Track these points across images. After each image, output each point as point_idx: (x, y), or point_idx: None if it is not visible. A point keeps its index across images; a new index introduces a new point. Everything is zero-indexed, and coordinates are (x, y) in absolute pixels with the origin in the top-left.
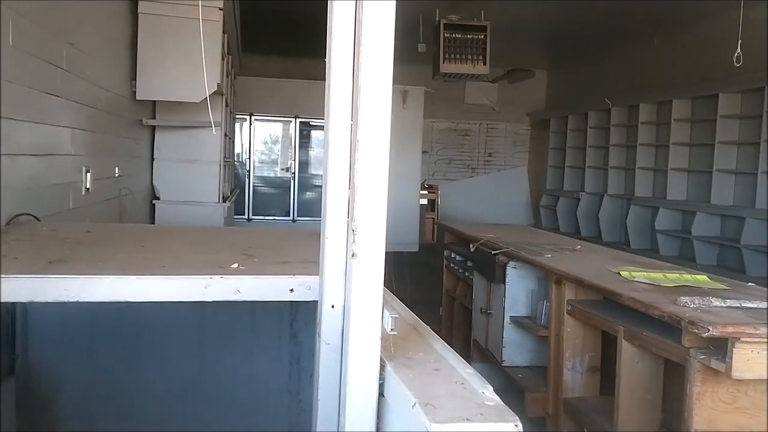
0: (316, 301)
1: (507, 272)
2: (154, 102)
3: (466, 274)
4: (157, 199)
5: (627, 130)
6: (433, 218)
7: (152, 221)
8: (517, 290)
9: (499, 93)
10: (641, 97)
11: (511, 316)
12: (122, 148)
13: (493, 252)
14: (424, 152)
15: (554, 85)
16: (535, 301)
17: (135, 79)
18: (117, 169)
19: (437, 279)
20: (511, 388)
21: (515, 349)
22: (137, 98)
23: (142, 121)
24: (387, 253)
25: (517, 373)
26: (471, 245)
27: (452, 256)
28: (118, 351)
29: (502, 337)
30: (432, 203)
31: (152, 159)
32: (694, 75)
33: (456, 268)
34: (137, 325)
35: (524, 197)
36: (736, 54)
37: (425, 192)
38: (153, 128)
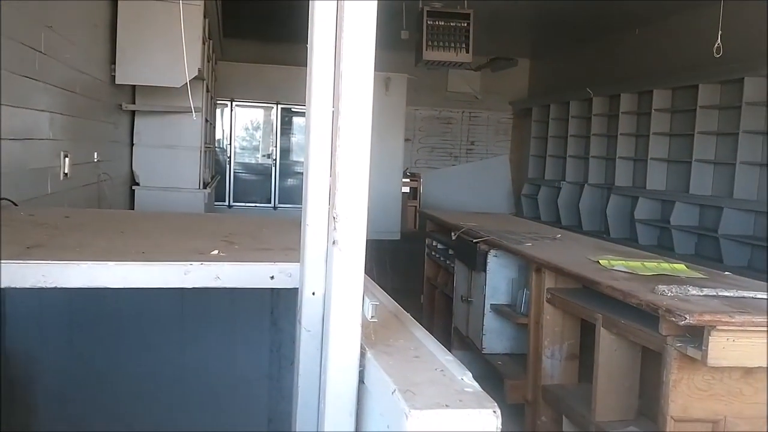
0: (297, 289)
1: (488, 260)
2: (133, 87)
3: (448, 262)
4: (137, 184)
5: (608, 119)
6: (415, 206)
7: (132, 207)
8: (498, 278)
9: (481, 81)
10: (622, 87)
11: (491, 304)
12: (101, 133)
13: (474, 240)
14: (406, 140)
15: (537, 74)
16: (515, 289)
17: (114, 63)
18: (96, 154)
19: (419, 267)
20: (491, 376)
21: (495, 337)
22: (116, 83)
23: (121, 105)
24: (368, 241)
25: (496, 360)
26: (452, 233)
27: (434, 244)
28: (97, 337)
29: (483, 324)
30: (414, 191)
31: (132, 144)
32: (675, 65)
33: (437, 256)
34: (116, 312)
35: (506, 186)
36: (716, 45)
37: (407, 180)
38: (132, 113)
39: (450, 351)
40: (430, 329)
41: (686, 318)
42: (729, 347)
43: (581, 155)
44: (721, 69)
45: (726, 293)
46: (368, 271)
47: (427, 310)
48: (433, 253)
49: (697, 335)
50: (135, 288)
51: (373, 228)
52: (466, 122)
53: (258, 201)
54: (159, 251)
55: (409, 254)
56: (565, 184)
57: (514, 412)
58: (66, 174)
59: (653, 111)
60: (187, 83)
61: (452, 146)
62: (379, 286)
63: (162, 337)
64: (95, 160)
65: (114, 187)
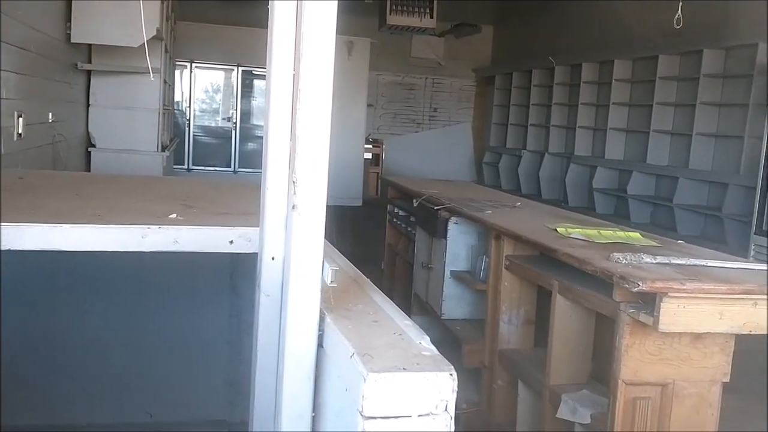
0: (257, 253)
1: (448, 228)
2: (89, 45)
3: (409, 229)
4: (93, 146)
5: (569, 89)
6: (377, 173)
7: (88, 169)
8: (458, 245)
9: (445, 48)
10: (584, 57)
11: (451, 271)
12: (56, 92)
13: (435, 207)
14: (369, 105)
15: (500, 42)
16: (474, 256)
17: (70, 21)
18: (51, 114)
19: (380, 234)
20: (450, 340)
21: (454, 303)
22: (72, 41)
23: (77, 65)
24: (330, 208)
25: (455, 325)
26: (414, 200)
27: (395, 211)
28: (53, 302)
29: (442, 291)
30: (376, 158)
31: (88, 105)
32: (636, 36)
33: (399, 223)
34: (72, 275)
35: (468, 154)
36: (676, 16)
37: (370, 146)
38: (88, 73)
39: (409, 316)
40: (391, 295)
41: (639, 285)
42: (680, 313)
43: (542, 124)
44: (680, 40)
45: (678, 261)
46: (329, 237)
47: (387, 277)
48: (394, 219)
49: (649, 302)
50: (91, 251)
51: (334, 194)
52: (429, 88)
53: (218, 165)
54: (115, 214)
55: (371, 221)
56: (525, 152)
57: (471, 376)
58: (20, 134)
59: (614, 81)
60: (144, 43)
61: (415, 113)
62: (340, 252)
63: (119, 301)
64: (50, 121)
65: (69, 148)
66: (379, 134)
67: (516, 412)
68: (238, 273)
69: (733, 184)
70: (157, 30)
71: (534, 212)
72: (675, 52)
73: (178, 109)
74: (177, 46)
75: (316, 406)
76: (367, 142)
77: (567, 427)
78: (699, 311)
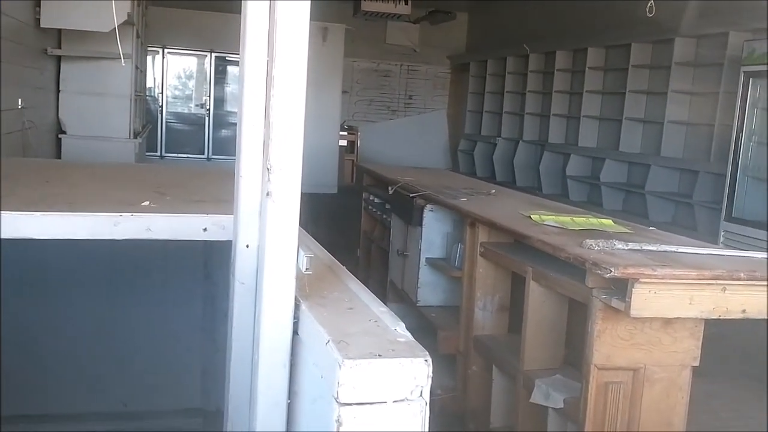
0: (231, 241)
1: (424, 215)
2: (59, 30)
3: (384, 216)
4: (64, 133)
5: (543, 76)
6: (353, 160)
7: (58, 156)
8: (434, 233)
9: (420, 34)
10: (558, 44)
11: (426, 258)
12: (25, 78)
13: (411, 195)
14: (344, 92)
15: (475, 29)
16: (450, 243)
17: (39, 6)
18: (20, 100)
19: (356, 221)
20: (425, 327)
21: (430, 290)
22: (41, 26)
23: (46, 50)
24: (305, 195)
25: (430, 312)
26: (389, 188)
27: (370, 198)
28: (23, 290)
29: (418, 278)
30: (351, 145)
31: (58, 91)
32: (609, 24)
33: (374, 210)
34: (43, 264)
35: (443, 141)
36: (649, 4)
37: (345, 133)
38: (59, 59)
39: (385, 304)
40: (366, 283)
41: (611, 271)
42: (651, 299)
43: (517, 112)
44: (652, 29)
45: (650, 247)
46: (304, 225)
47: (363, 264)
48: (369, 207)
49: (621, 288)
50: (62, 239)
51: (309, 182)
52: (404, 75)
53: (191, 152)
54: (87, 202)
55: (346, 208)
56: (500, 140)
57: (446, 363)
58: None
59: (587, 69)
60: (115, 28)
61: (390, 99)
62: (316, 240)
63: (92, 290)
64: (19, 107)
65: (39, 135)
66: (354, 121)
67: (490, 397)
68: (212, 261)
69: (703, 172)
70: (128, 15)
71: (509, 200)
72: (647, 41)
73: (151, 96)
74: (149, 31)
75: (291, 393)
76: (342, 129)
77: (540, 412)
78: (670, 296)
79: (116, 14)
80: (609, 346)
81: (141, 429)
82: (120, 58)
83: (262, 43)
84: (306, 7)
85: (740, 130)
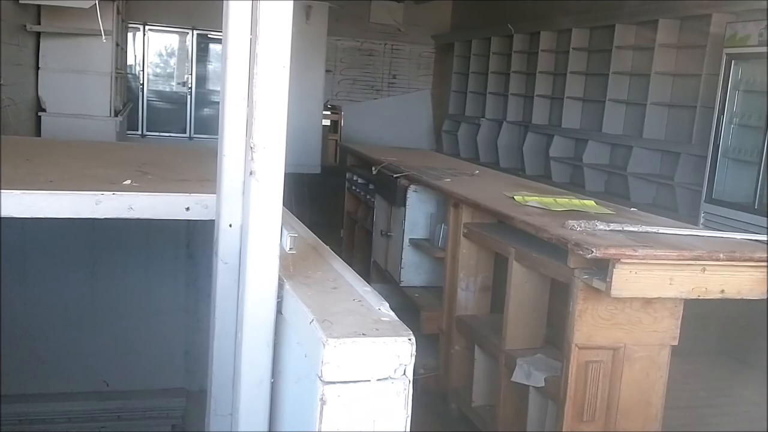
0: (213, 221)
1: (408, 195)
2: (38, 6)
3: (368, 196)
4: (44, 111)
5: (528, 57)
6: (336, 140)
7: (38, 135)
8: (417, 213)
9: (405, 13)
10: (542, 25)
11: (410, 239)
12: (4, 55)
13: (394, 175)
14: (327, 71)
15: (459, 8)
16: (433, 224)
17: None
18: None
19: (339, 201)
20: (408, 307)
21: (413, 270)
22: (20, 1)
23: (25, 26)
24: (288, 175)
25: (414, 293)
26: (373, 168)
27: (354, 178)
28: (5, 270)
29: (401, 258)
30: (335, 125)
31: (37, 68)
32: (594, 4)
33: (357, 190)
34: (24, 242)
35: (427, 121)
36: None
37: (328, 113)
38: (38, 35)
39: (369, 284)
40: (350, 263)
41: (593, 251)
42: (631, 279)
43: (501, 92)
44: (636, 10)
45: (631, 228)
46: (288, 204)
47: (347, 244)
48: (353, 187)
49: (602, 268)
50: (43, 218)
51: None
52: (388, 55)
53: (173, 131)
54: (68, 180)
55: (330, 188)
56: (484, 120)
57: (429, 342)
58: None
59: (571, 50)
60: (96, 4)
61: (374, 79)
62: (299, 219)
63: (74, 269)
64: None
65: (19, 113)
66: (338, 101)
67: (472, 376)
68: (195, 241)
69: (685, 154)
70: None
71: (492, 180)
72: (631, 22)
73: (132, 74)
74: (129, 7)
75: (275, 372)
76: (326, 108)
77: (522, 391)
78: (650, 277)
79: None
80: (590, 325)
81: (123, 408)
82: (101, 34)
83: (245, 21)
84: None
85: (722, 112)
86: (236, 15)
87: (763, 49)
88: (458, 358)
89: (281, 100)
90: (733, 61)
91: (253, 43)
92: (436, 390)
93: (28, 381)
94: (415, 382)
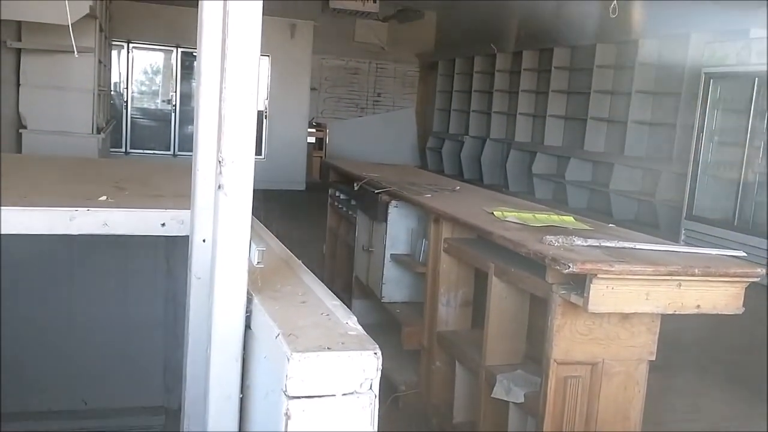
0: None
1: (389, 211)
2: (19, 23)
3: (350, 212)
4: (24, 128)
5: (510, 75)
6: (321, 157)
7: (19, 151)
8: (398, 229)
9: (389, 33)
10: (525, 44)
11: (391, 254)
12: None
13: (376, 191)
14: (312, 89)
15: (443, 28)
16: (414, 239)
17: None
18: None
19: (322, 218)
20: (390, 323)
21: (394, 286)
22: (1, 18)
23: (6, 43)
24: (273, 192)
25: (395, 308)
26: (355, 184)
27: (337, 194)
28: None
29: (383, 274)
30: (320, 142)
31: (18, 84)
32: (575, 24)
33: (340, 206)
34: (0, 260)
35: (411, 138)
36: (612, 5)
37: (313, 130)
38: (18, 51)
39: (350, 300)
40: (332, 278)
41: (570, 267)
42: (608, 294)
43: (484, 110)
44: (617, 30)
45: (608, 244)
46: (271, 221)
47: (329, 260)
48: (335, 203)
49: (579, 283)
50: (16, 234)
51: (277, 178)
52: (373, 73)
53: (157, 148)
54: (42, 196)
55: (314, 205)
56: (468, 138)
57: (410, 358)
58: None
59: (553, 69)
60: (68, 20)
61: (359, 97)
62: (282, 236)
63: (50, 286)
64: None
65: None
66: (323, 118)
67: (453, 392)
68: (174, 256)
69: (665, 171)
70: (90, 8)
71: (473, 196)
72: (612, 42)
73: (116, 91)
74: (113, 25)
75: (244, 387)
76: (311, 126)
77: (502, 407)
78: (626, 292)
79: (78, 7)
80: (568, 340)
81: (102, 427)
82: (74, 51)
83: (217, 38)
84: (258, 4)
85: (701, 130)
86: (209, 33)
87: (741, 68)
88: (439, 374)
89: (249, 114)
90: (711, 80)
91: (222, 58)
92: (417, 406)
93: (4, 399)
94: (396, 398)
